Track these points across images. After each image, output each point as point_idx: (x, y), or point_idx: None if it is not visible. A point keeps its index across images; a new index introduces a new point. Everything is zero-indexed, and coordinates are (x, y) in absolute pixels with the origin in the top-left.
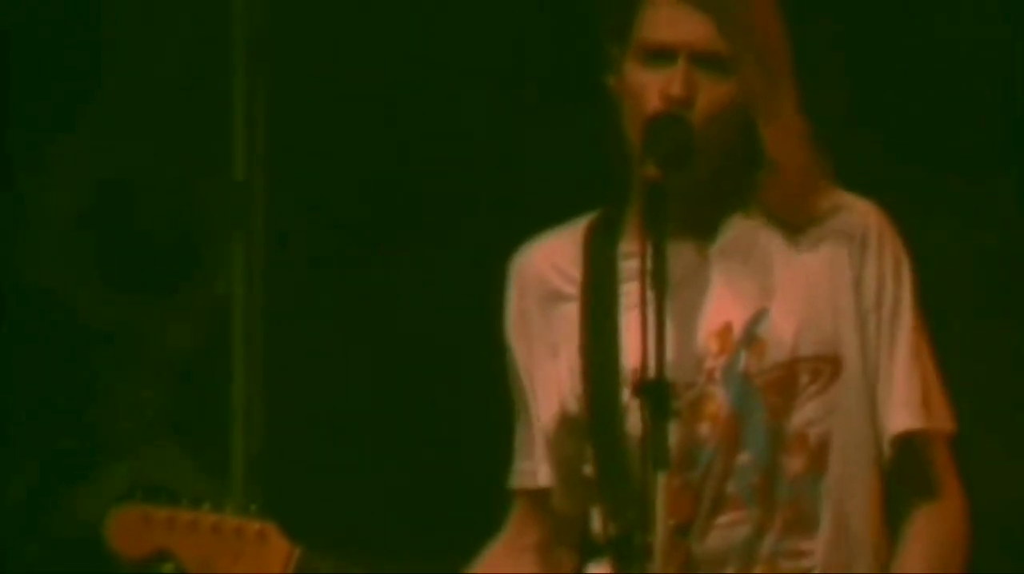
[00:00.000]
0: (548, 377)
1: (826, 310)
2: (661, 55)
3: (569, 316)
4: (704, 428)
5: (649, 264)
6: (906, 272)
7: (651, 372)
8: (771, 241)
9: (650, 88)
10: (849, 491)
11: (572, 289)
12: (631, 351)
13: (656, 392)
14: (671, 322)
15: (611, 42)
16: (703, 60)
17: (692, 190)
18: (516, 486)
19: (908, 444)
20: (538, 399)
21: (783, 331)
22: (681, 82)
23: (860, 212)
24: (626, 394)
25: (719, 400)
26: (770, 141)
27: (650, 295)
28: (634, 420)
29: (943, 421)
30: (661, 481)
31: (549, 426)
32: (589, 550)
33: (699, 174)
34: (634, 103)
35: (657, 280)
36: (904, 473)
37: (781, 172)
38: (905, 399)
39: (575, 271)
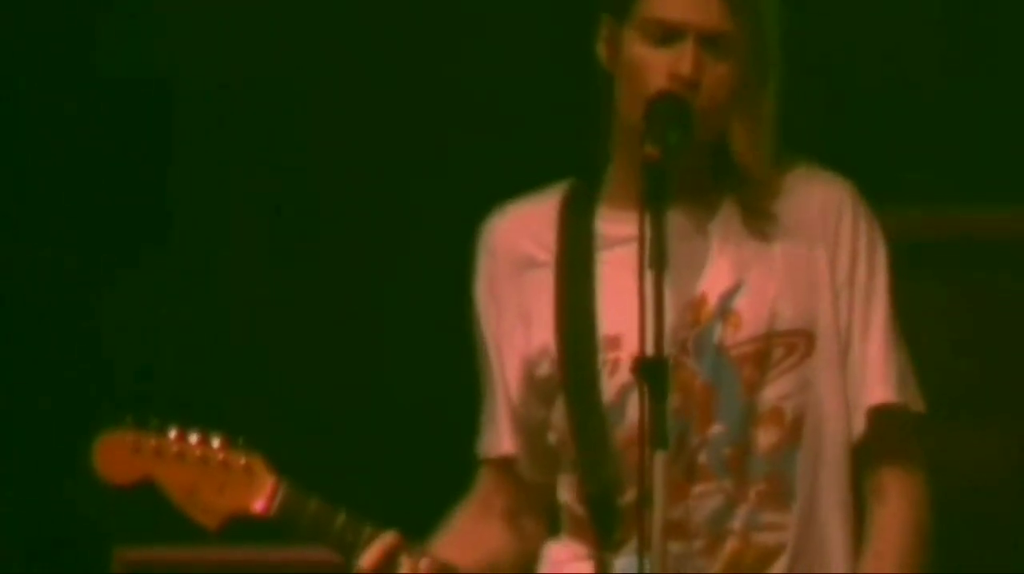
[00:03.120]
0: (516, 344)
1: (801, 285)
2: (669, 33)
3: (542, 283)
4: (676, 399)
5: (648, 242)
6: (880, 249)
7: (650, 350)
8: (747, 217)
9: (655, 66)
10: (822, 465)
11: (546, 256)
12: (608, 319)
13: (655, 371)
14: (639, 304)
15: (609, 13)
16: (710, 41)
17: (686, 168)
18: (481, 454)
19: (883, 418)
20: (505, 366)
21: (758, 305)
22: (692, 62)
23: (836, 189)
24: (601, 361)
25: (692, 371)
26: (737, 132)
27: (647, 273)
28: (613, 385)
29: (917, 400)
30: (659, 460)
31: (516, 393)
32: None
33: (695, 155)
34: (635, 79)
35: (656, 259)
36: (877, 447)
37: (740, 162)
38: (883, 374)
39: (550, 238)
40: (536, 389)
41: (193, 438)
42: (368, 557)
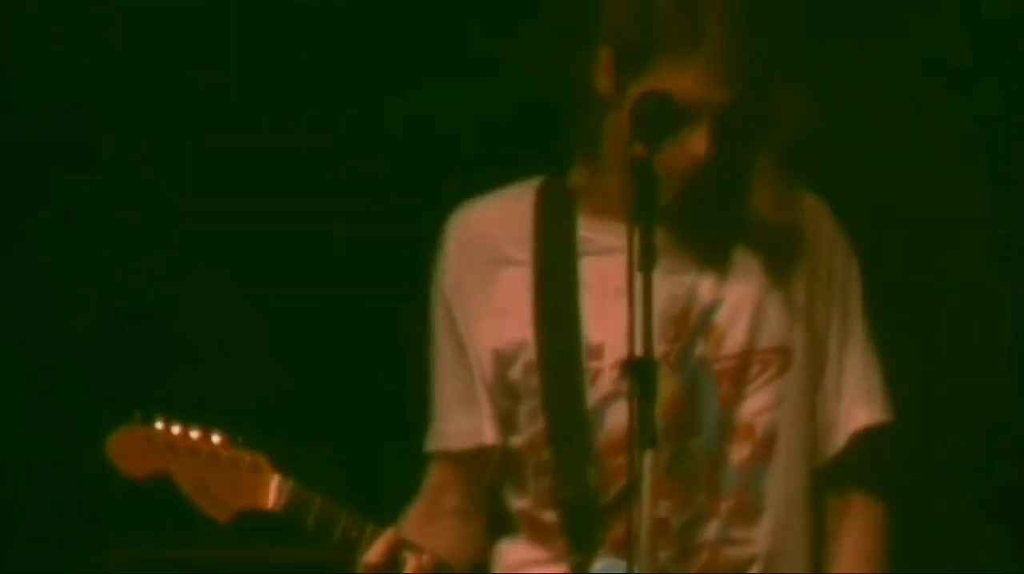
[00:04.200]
0: (485, 338)
1: (781, 303)
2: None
3: (518, 281)
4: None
5: (636, 241)
6: (855, 268)
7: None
8: (730, 233)
9: None
10: (792, 481)
11: (522, 255)
12: (591, 328)
13: (643, 371)
14: (628, 305)
15: (614, 53)
16: (722, 117)
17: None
18: (435, 447)
19: (863, 438)
20: (471, 360)
21: (739, 321)
22: (709, 143)
23: (812, 209)
24: (587, 368)
25: (671, 385)
26: (760, 194)
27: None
28: (594, 394)
29: (890, 412)
30: (648, 459)
31: (482, 387)
32: (501, 525)
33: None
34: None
35: (644, 258)
36: (850, 466)
37: (762, 217)
38: (865, 395)
39: (525, 237)
40: (505, 387)
41: (198, 434)
42: (374, 552)
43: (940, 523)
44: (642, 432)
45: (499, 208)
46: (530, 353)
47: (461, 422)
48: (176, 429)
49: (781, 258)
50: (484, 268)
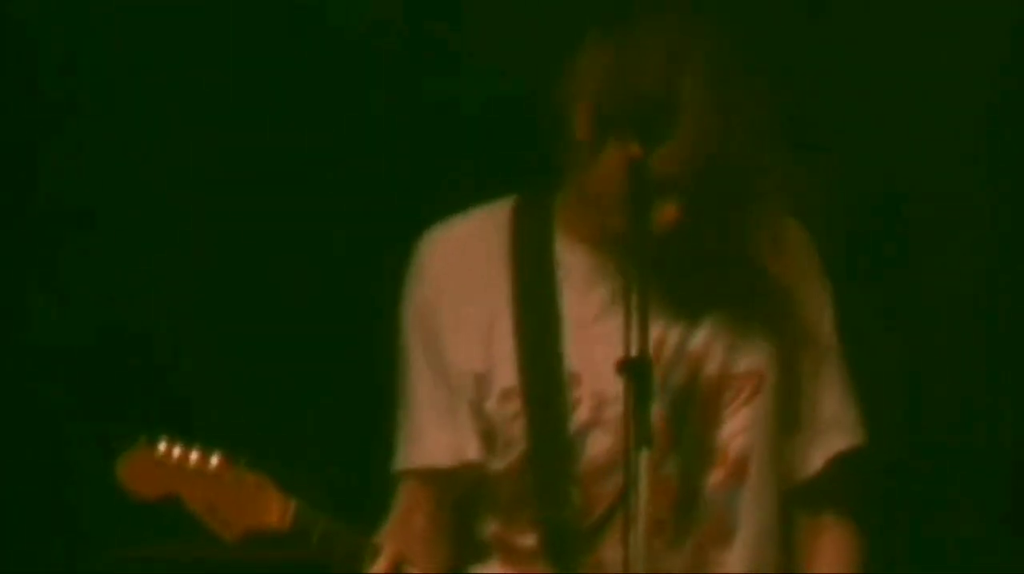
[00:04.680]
0: (461, 359)
1: (755, 327)
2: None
3: (493, 305)
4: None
5: (632, 242)
6: (829, 293)
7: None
8: (706, 258)
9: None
10: (765, 504)
11: (498, 277)
12: (569, 356)
13: (639, 370)
14: (606, 332)
15: (598, 125)
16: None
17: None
18: (405, 465)
19: (840, 462)
20: (462, 379)
21: (714, 347)
22: (678, 214)
23: (794, 237)
24: (570, 395)
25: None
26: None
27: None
28: (576, 420)
29: (865, 437)
30: (644, 459)
31: (462, 406)
32: (474, 550)
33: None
34: (611, 197)
35: (640, 260)
36: (829, 487)
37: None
38: (840, 418)
39: (502, 259)
40: (481, 412)
41: (197, 455)
42: (379, 566)
43: (959, 530)
44: (637, 431)
45: (474, 229)
46: (507, 379)
47: (441, 438)
48: (178, 450)
49: (756, 284)
50: (460, 290)
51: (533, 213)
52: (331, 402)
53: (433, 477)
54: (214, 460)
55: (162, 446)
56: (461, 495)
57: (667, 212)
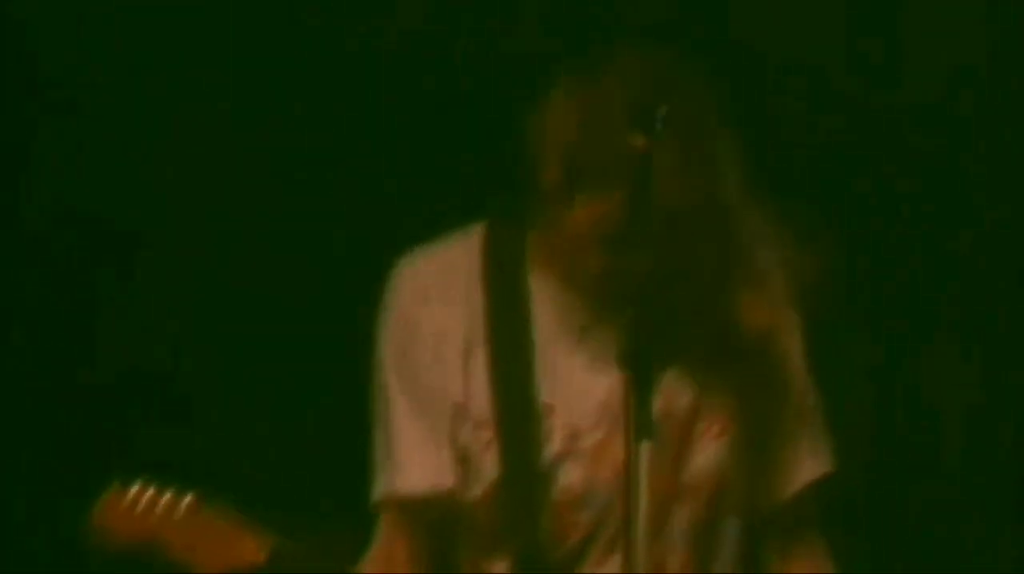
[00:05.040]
0: (439, 392)
1: (725, 361)
2: None
3: (466, 336)
4: (605, 472)
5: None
6: (797, 321)
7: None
8: (679, 299)
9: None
10: (736, 536)
11: (470, 308)
12: (543, 387)
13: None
14: (580, 364)
15: (565, 178)
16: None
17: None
18: (387, 493)
19: (811, 489)
20: (441, 408)
21: (685, 381)
22: (648, 269)
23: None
24: (543, 426)
25: (619, 445)
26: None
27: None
28: (549, 450)
29: (835, 463)
30: (645, 450)
31: (439, 433)
32: None
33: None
34: (581, 238)
35: (642, 254)
36: (800, 512)
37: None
38: (812, 447)
39: (474, 289)
40: (456, 442)
41: (172, 498)
42: None
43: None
44: (637, 424)
45: (447, 257)
46: (481, 408)
47: (422, 467)
48: (149, 494)
49: (727, 317)
50: (435, 319)
51: (505, 241)
52: (331, 405)
53: (414, 506)
54: (186, 502)
55: (133, 491)
56: (441, 524)
57: (639, 262)
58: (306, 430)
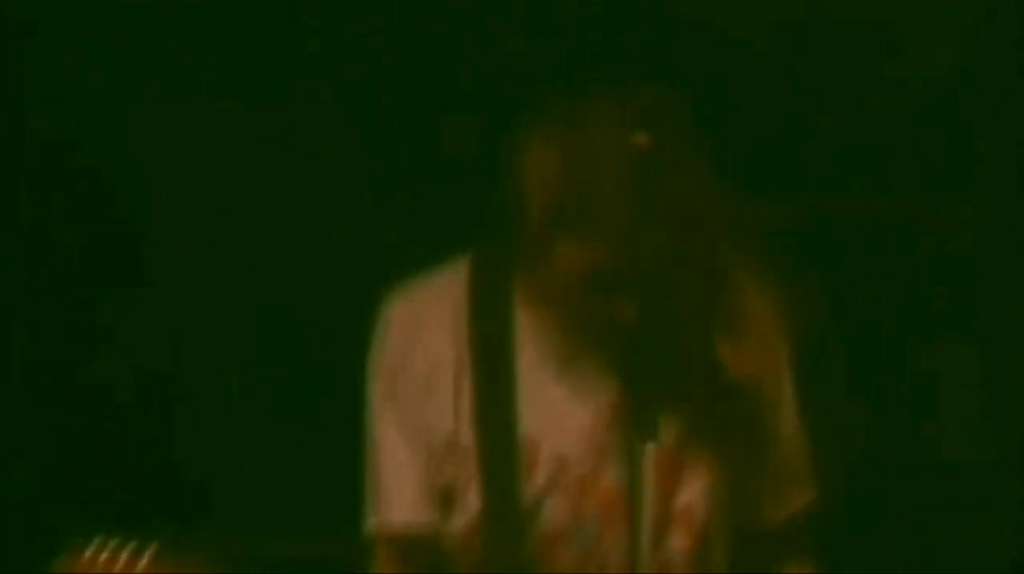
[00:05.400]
0: (427, 427)
1: (714, 387)
2: None
3: (455, 369)
4: (591, 504)
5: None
6: (783, 341)
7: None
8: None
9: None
10: (727, 563)
11: (458, 342)
12: (525, 421)
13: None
14: (566, 393)
15: (546, 222)
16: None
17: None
18: (380, 526)
19: (800, 514)
20: (433, 441)
21: (676, 411)
22: (635, 316)
23: (742, 287)
24: (527, 458)
25: (609, 477)
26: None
27: None
28: (534, 484)
29: (817, 489)
30: (650, 451)
31: (425, 467)
32: None
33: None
34: (566, 283)
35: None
36: (788, 536)
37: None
38: (800, 472)
39: (460, 322)
40: (445, 473)
41: (130, 558)
42: None
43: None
44: (640, 426)
45: (435, 292)
46: (467, 442)
47: (413, 501)
48: (109, 550)
49: (715, 351)
50: (426, 356)
51: (490, 273)
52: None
53: (402, 541)
54: (146, 557)
55: (91, 550)
56: (431, 558)
57: (625, 310)
58: (307, 432)
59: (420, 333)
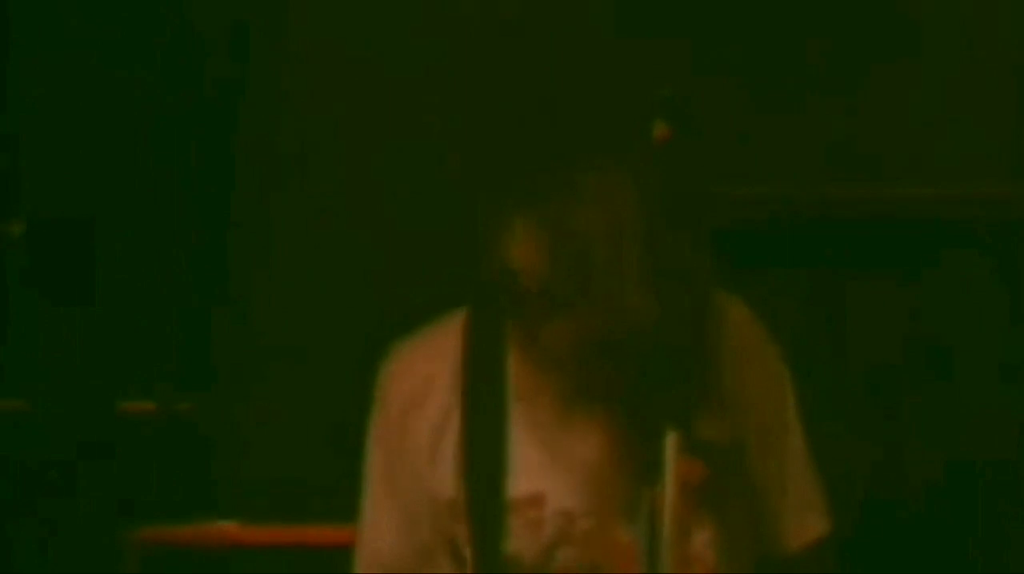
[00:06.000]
0: (432, 487)
1: (714, 429)
2: None
3: (453, 428)
4: (601, 556)
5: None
6: (786, 377)
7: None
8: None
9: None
10: None
11: (452, 403)
12: (528, 477)
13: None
14: (575, 444)
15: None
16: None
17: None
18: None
19: (813, 546)
20: (434, 502)
21: (684, 458)
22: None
23: (738, 322)
24: (521, 520)
25: (620, 529)
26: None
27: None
28: (536, 543)
29: (831, 522)
30: (672, 441)
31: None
32: None
33: None
34: (557, 354)
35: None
36: (797, 565)
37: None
38: (811, 505)
39: (454, 383)
40: (446, 532)
41: None
42: None
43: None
44: (672, 413)
45: (434, 349)
46: (460, 503)
47: (409, 553)
48: None
49: (712, 389)
50: (426, 415)
51: (484, 326)
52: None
53: None
54: None
55: None
56: None
57: (614, 376)
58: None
59: (422, 401)
